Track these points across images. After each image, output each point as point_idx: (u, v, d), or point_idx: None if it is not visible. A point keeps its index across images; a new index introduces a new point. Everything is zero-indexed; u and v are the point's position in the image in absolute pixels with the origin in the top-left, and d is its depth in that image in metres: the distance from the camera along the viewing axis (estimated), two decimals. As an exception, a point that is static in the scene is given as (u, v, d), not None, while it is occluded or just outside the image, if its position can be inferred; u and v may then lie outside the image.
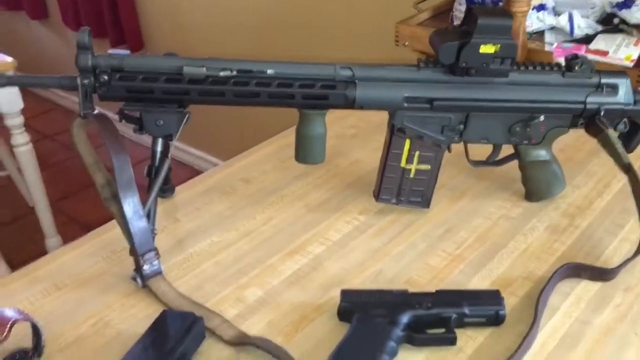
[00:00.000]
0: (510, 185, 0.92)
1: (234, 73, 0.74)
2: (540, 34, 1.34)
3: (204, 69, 0.74)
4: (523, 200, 0.90)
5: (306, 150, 0.82)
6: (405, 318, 0.67)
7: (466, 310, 0.68)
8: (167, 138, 0.78)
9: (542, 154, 0.85)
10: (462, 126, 0.82)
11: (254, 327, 0.71)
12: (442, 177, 0.94)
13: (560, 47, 1.11)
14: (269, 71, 0.76)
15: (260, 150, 1.06)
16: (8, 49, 3.44)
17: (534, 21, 1.31)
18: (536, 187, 0.88)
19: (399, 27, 1.40)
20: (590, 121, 0.81)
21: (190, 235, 0.86)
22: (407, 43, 1.41)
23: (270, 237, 0.85)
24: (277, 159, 1.02)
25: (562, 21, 1.28)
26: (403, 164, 0.84)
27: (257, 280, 0.78)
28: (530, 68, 0.79)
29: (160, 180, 0.77)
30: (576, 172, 0.95)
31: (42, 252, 1.73)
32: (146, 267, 0.74)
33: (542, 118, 0.81)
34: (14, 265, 1.96)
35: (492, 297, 0.70)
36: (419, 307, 0.68)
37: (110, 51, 0.76)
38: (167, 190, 0.93)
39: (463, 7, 1.39)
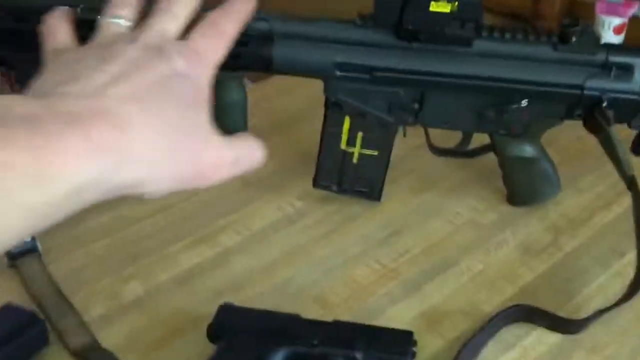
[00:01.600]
0: (494, 181, 0.72)
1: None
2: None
3: (78, 10, 0.59)
4: (504, 202, 0.71)
5: (222, 118, 0.66)
6: (279, 356, 0.53)
7: (358, 356, 0.52)
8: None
9: (526, 149, 0.65)
10: (416, 105, 0.63)
11: (114, 335, 0.58)
12: (413, 160, 0.76)
13: (605, 2, 0.86)
14: (165, 19, 0.60)
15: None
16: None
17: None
18: (518, 189, 0.68)
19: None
20: (590, 113, 0.60)
21: (100, 204, 0.73)
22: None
23: (186, 217, 0.72)
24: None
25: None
26: (343, 145, 0.67)
27: (143, 272, 0.65)
28: (508, 36, 0.58)
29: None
30: (586, 172, 0.74)
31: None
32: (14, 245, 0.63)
33: (524, 103, 0.61)
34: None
35: (401, 340, 0.53)
36: (300, 342, 0.53)
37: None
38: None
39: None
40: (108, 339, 0.57)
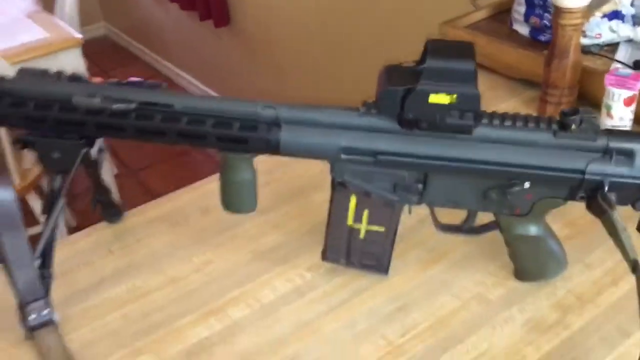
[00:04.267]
0: (502, 254, 0.73)
1: (133, 106, 0.62)
2: (614, 47, 1.08)
3: (97, 99, 0.62)
4: (511, 277, 0.71)
5: (231, 198, 0.69)
6: None
7: None
8: (64, 173, 0.68)
9: (531, 228, 0.66)
10: (420, 186, 0.64)
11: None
12: (421, 232, 0.77)
13: (614, 74, 0.87)
14: (177, 106, 0.63)
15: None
16: (116, 15, 3.56)
17: (604, 32, 1.06)
18: (525, 266, 0.69)
19: (443, 29, 1.20)
20: (593, 196, 0.61)
21: (115, 274, 0.76)
22: (451, 47, 1.20)
23: (196, 289, 0.74)
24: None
25: (641, 33, 1.03)
26: (350, 222, 0.69)
27: (154, 347, 0.67)
28: (508, 123, 0.60)
29: (53, 221, 0.67)
30: (594, 246, 0.74)
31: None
32: (32, 318, 0.66)
33: (526, 185, 0.62)
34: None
35: None
36: None
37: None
38: (113, 214, 0.84)
39: (522, 9, 1.16)
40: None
